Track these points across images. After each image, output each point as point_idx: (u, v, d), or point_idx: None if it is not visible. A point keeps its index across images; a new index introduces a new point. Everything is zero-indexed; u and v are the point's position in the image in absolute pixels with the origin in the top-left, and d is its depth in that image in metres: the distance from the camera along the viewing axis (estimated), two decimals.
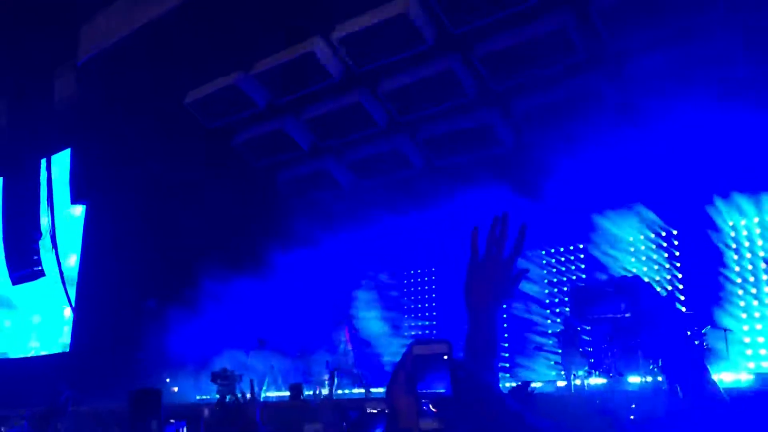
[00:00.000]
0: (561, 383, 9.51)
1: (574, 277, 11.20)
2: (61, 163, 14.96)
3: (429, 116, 10.90)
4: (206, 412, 8.98)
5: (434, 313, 12.66)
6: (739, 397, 6.46)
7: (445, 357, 1.42)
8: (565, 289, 11.22)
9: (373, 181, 12.14)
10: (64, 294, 14.22)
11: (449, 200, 10.75)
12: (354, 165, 12.13)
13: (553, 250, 11.54)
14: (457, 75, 10.10)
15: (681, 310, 8.98)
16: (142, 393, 6.75)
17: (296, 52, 10.83)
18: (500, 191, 10.33)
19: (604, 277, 10.28)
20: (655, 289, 1.87)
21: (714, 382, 1.73)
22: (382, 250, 12.31)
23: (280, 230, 12.49)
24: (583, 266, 11.19)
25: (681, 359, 1.73)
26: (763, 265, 9.65)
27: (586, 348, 9.19)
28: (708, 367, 1.77)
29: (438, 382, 1.44)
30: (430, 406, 1.43)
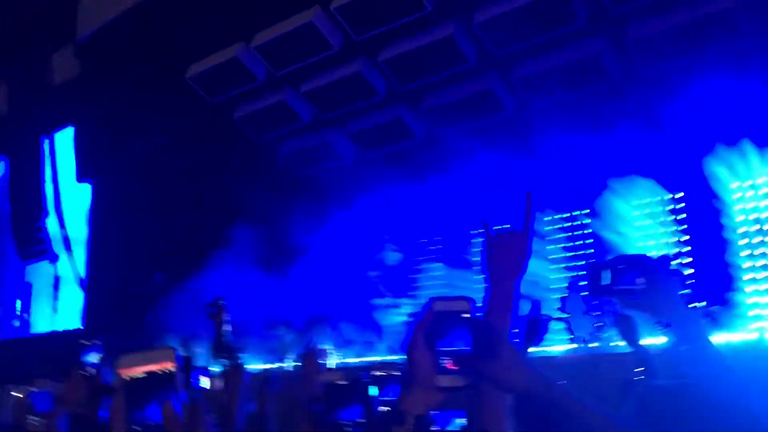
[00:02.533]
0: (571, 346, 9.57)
1: (579, 243, 11.20)
2: (66, 141, 14.97)
3: (430, 85, 10.83)
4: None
5: (440, 282, 12.69)
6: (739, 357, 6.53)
7: (466, 315, 1.42)
8: (570, 254, 11.23)
9: (376, 153, 12.09)
10: (73, 273, 14.33)
11: (453, 169, 10.74)
12: (356, 136, 12.08)
13: (558, 217, 11.52)
14: (457, 41, 10.00)
15: (686, 281, 8.98)
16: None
17: (295, 22, 10.76)
18: (504, 158, 10.32)
19: (611, 255, 10.30)
20: (664, 262, 1.94)
21: (715, 347, 1.79)
22: (387, 222, 12.30)
23: (282, 205, 12.49)
24: (589, 231, 11.18)
25: (688, 325, 1.79)
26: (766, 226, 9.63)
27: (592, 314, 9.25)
28: (709, 332, 1.82)
29: (456, 340, 1.43)
30: (449, 364, 1.43)
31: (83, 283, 14.06)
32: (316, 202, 12.21)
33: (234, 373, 2.76)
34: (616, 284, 1.92)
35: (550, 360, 8.66)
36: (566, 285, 10.82)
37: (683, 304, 1.84)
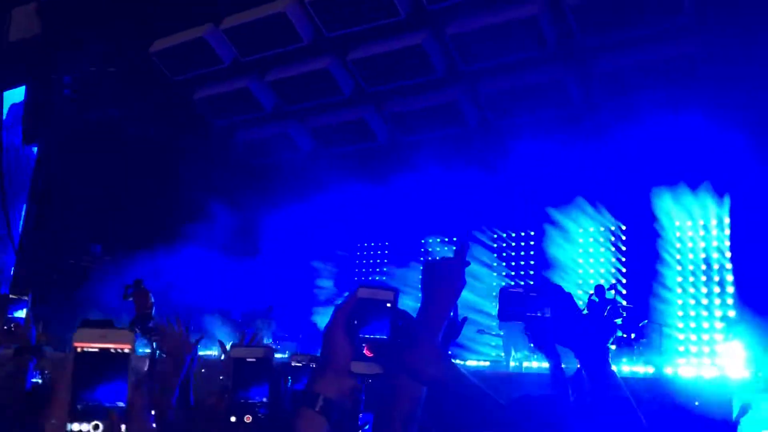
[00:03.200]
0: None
1: (522, 263, 11.43)
2: (16, 100, 14.47)
3: (396, 90, 10.88)
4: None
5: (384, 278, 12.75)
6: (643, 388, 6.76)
7: (389, 304, 1.44)
8: (513, 273, 11.45)
9: (335, 150, 12.08)
10: (9, 235, 13.84)
11: (409, 176, 10.80)
12: (316, 131, 12.04)
13: (504, 235, 11.73)
14: (427, 51, 10.08)
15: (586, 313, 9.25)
16: (92, 323, 6.61)
17: (268, 10, 10.66)
18: (461, 170, 10.44)
19: (527, 283, 10.61)
20: (571, 296, 2.08)
21: (613, 373, 1.90)
22: (337, 221, 12.29)
23: (234, 192, 12.36)
24: (532, 252, 11.41)
25: (588, 352, 1.89)
26: (702, 266, 10.00)
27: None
28: (608, 360, 1.95)
29: (377, 328, 1.43)
30: (365, 351, 1.42)
31: (16, 248, 13.60)
32: (267, 191, 12.11)
33: (176, 340, 2.70)
34: (524, 311, 2.00)
35: (478, 375, 8.79)
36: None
37: (585, 336, 1.96)
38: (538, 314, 1.94)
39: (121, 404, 1.14)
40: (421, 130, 11.15)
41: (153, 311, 11.95)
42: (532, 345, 2.01)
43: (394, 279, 12.25)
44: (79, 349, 1.16)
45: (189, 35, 11.42)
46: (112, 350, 1.17)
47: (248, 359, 1.84)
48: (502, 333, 10.30)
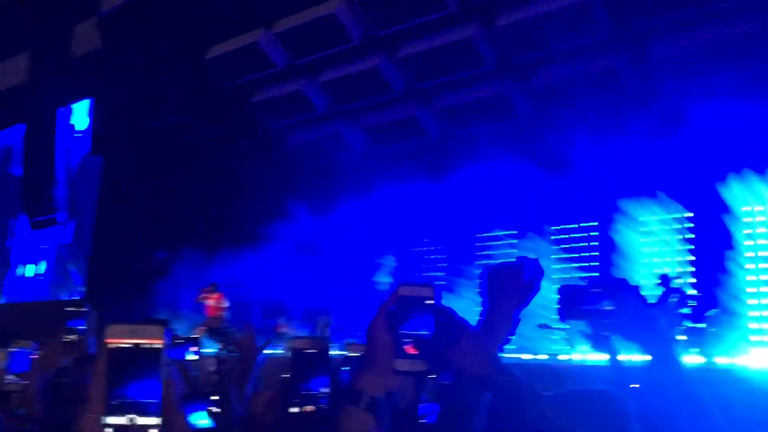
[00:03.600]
0: (563, 357, 9.56)
1: (587, 254, 11.16)
2: (82, 113, 15.07)
3: (447, 84, 10.81)
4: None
5: (441, 284, 12.69)
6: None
7: (429, 301, 1.44)
8: (575, 265, 11.20)
9: (387, 149, 12.10)
10: (80, 244, 14.43)
11: (464, 171, 10.72)
12: (368, 130, 12.09)
13: (566, 227, 11.46)
14: (477, 44, 9.98)
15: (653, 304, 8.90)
16: (150, 321, 6.82)
17: (318, 12, 10.77)
18: (516, 163, 10.29)
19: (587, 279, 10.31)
20: (638, 288, 2.00)
21: (683, 366, 1.83)
22: (392, 219, 12.28)
23: (291, 193, 12.53)
24: (595, 243, 11.13)
25: (657, 347, 1.82)
26: None
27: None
28: (674, 349, 1.87)
29: (419, 325, 1.44)
30: (409, 348, 1.42)
31: (87, 254, 14.14)
32: (323, 192, 12.23)
33: (247, 342, 2.77)
34: (586, 308, 1.93)
35: (522, 367, 8.65)
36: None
37: (651, 327, 1.88)
38: (600, 308, 1.89)
39: (154, 400, 1.16)
40: (473, 124, 11.05)
41: (225, 314, 12.28)
42: (591, 340, 1.95)
43: (450, 275, 12.20)
44: (111, 345, 1.18)
45: (243, 41, 11.66)
46: (144, 346, 1.19)
47: (306, 350, 1.85)
48: (567, 326, 10.09)
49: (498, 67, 10.33)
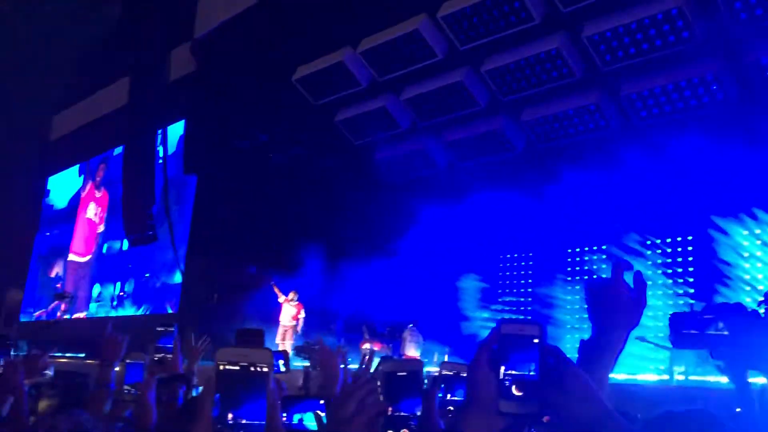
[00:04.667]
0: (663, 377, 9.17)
1: (680, 270, 10.69)
2: (177, 134, 15.76)
3: (532, 97, 10.66)
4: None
5: (529, 299, 12.47)
6: None
7: (536, 340, 1.37)
8: (671, 281, 10.74)
9: (472, 162, 12.02)
10: (175, 259, 15.03)
11: (551, 184, 10.51)
12: (452, 145, 12.05)
13: (659, 241, 11.03)
14: (563, 54, 9.80)
15: None
16: (246, 332, 7.01)
17: (402, 29, 10.87)
18: (605, 176, 10.01)
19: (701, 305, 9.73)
20: (756, 313, 1.86)
21: None
22: (478, 234, 12.19)
23: (377, 209, 12.64)
24: (691, 258, 10.66)
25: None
26: None
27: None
28: None
29: (524, 365, 1.38)
30: (513, 389, 1.37)
31: (183, 270, 14.74)
32: (409, 206, 12.27)
33: (327, 359, 2.79)
34: (699, 333, 1.82)
35: (639, 388, 8.30)
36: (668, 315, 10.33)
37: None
38: (714, 332, 1.77)
39: (260, 422, 1.18)
40: (560, 136, 10.83)
41: (300, 324, 12.52)
42: (719, 366, 1.83)
43: (539, 291, 11.96)
44: (221, 367, 1.22)
45: (329, 60, 11.91)
46: (253, 369, 1.23)
47: (398, 373, 1.79)
48: (668, 345, 9.65)
49: (585, 78, 10.11)
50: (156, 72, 14.89)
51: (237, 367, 1.21)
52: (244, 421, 1.18)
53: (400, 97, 11.84)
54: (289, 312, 12.68)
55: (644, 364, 9.95)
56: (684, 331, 1.89)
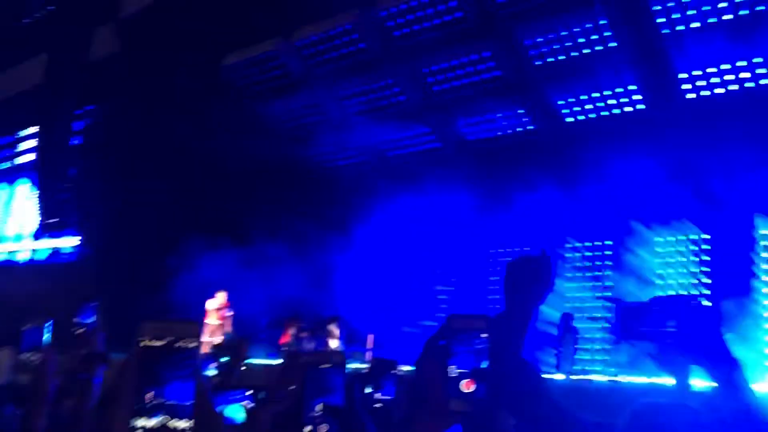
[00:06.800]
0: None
1: (599, 273, 10.99)
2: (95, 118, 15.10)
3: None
4: None
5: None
6: None
7: (483, 335, 1.32)
8: (594, 284, 11.00)
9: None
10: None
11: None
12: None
13: (581, 245, 11.31)
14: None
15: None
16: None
17: (334, 24, 10.81)
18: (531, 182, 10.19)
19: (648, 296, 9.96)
20: (707, 308, 1.89)
21: (752, 393, 1.72)
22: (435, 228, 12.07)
23: (313, 200, 12.45)
24: (609, 263, 10.96)
25: (723, 369, 1.70)
26: None
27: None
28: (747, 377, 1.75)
29: (473, 361, 1.33)
30: (462, 386, 1.32)
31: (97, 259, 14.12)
32: (335, 202, 12.12)
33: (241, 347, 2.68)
34: (647, 327, 1.81)
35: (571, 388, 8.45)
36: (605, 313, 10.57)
37: (719, 347, 1.76)
38: (663, 329, 1.76)
39: (187, 402, 1.07)
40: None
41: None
42: (657, 363, 1.82)
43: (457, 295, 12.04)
44: (143, 344, 1.09)
45: (260, 49, 11.69)
46: (179, 345, 1.10)
47: (321, 366, 1.72)
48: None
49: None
50: (77, 51, 14.23)
51: (162, 342, 1.08)
52: (169, 402, 1.06)
53: (332, 92, 11.75)
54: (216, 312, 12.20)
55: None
56: (631, 324, 1.87)
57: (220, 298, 12.19)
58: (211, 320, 12.09)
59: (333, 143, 12.54)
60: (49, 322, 2.73)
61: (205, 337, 11.96)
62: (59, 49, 14.91)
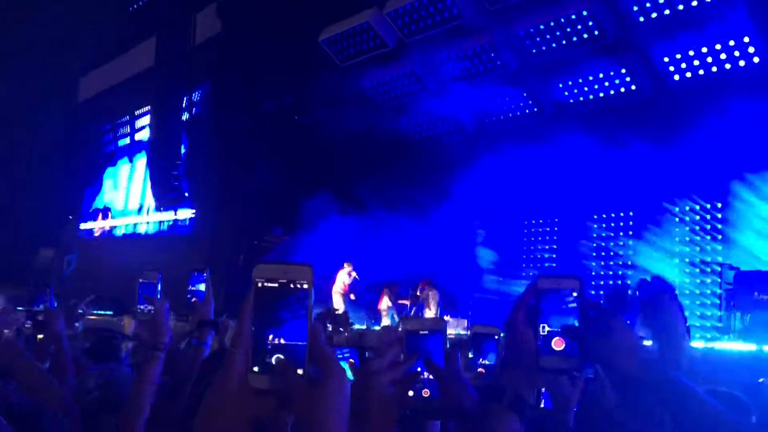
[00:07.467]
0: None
1: (708, 237, 10.46)
2: (204, 97, 15.73)
3: None
4: None
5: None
6: None
7: (575, 294, 1.34)
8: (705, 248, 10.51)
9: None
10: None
11: (570, 148, 10.27)
12: None
13: (698, 207, 10.76)
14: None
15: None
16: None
17: None
18: (631, 143, 9.79)
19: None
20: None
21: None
22: (501, 194, 11.95)
23: (403, 168, 12.55)
24: (719, 226, 10.40)
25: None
26: None
27: None
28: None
29: (563, 319, 1.34)
30: (554, 344, 1.33)
31: (206, 232, 14.82)
32: (434, 170, 12.13)
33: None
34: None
35: None
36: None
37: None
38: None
39: (301, 342, 1.08)
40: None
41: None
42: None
43: (561, 257, 11.85)
44: (259, 284, 1.12)
45: (354, 21, 11.77)
46: (292, 286, 1.11)
47: (420, 332, 1.70)
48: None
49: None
50: (182, 34, 14.80)
51: (276, 284, 1.13)
52: (283, 342, 1.10)
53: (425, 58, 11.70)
54: (342, 279, 12.43)
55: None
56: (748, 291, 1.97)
57: (347, 267, 12.41)
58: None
59: (430, 113, 12.52)
60: (159, 276, 2.88)
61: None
62: (166, 33, 15.55)
